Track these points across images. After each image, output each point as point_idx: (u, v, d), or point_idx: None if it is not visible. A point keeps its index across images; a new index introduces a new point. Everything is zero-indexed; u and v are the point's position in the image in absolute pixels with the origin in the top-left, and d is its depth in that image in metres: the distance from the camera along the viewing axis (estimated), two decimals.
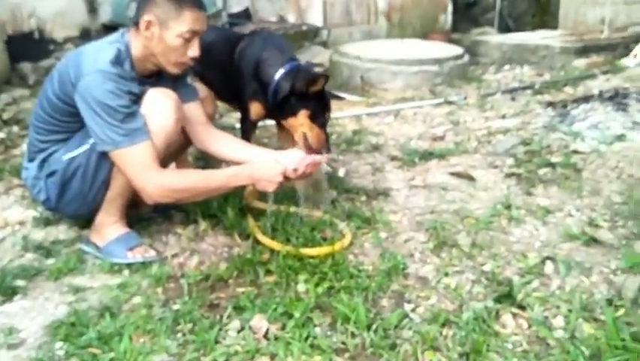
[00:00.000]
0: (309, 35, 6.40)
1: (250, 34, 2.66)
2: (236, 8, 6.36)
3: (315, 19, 6.71)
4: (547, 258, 2.08)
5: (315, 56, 5.83)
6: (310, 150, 2.29)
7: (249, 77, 2.49)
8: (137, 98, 1.97)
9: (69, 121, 2.04)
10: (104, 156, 1.98)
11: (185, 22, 1.95)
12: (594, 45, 5.91)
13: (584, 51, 5.78)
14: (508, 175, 2.87)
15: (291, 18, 6.77)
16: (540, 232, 2.30)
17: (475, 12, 8.90)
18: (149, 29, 1.95)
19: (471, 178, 2.84)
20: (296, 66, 2.45)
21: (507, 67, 5.85)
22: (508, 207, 2.48)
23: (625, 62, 5.34)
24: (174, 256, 2.16)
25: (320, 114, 2.38)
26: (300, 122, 2.35)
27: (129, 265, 2.08)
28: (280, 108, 2.40)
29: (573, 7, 6.95)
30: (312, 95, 2.33)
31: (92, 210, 2.16)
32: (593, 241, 2.19)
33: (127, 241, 2.14)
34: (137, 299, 1.89)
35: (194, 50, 2.01)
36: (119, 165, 1.96)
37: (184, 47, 1.99)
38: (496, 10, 8.39)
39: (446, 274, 2.01)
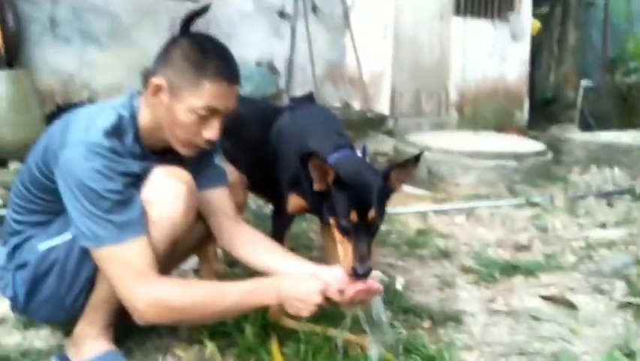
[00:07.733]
0: (374, 123, 6.04)
1: (290, 107, 2.18)
2: (300, 91, 6.09)
3: (382, 107, 6.38)
4: None
5: (379, 145, 5.43)
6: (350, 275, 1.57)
7: (288, 161, 1.98)
8: (136, 180, 1.50)
9: (49, 200, 1.57)
10: (88, 250, 1.50)
11: (203, 96, 1.47)
12: None
13: None
14: (622, 306, 2.19)
15: (356, 105, 6.46)
16: None
17: (554, 109, 8.53)
18: (157, 95, 1.51)
19: (571, 306, 2.18)
20: (347, 155, 1.84)
21: (594, 168, 5.24)
22: (630, 355, 1.80)
23: None
24: None
25: (349, 222, 1.61)
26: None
27: None
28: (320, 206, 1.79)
29: None
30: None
31: (70, 316, 1.65)
32: None
33: None
34: None
35: (211, 132, 1.52)
36: (102, 267, 1.47)
37: (197, 125, 1.50)
38: (578, 107, 7.89)
39: None
